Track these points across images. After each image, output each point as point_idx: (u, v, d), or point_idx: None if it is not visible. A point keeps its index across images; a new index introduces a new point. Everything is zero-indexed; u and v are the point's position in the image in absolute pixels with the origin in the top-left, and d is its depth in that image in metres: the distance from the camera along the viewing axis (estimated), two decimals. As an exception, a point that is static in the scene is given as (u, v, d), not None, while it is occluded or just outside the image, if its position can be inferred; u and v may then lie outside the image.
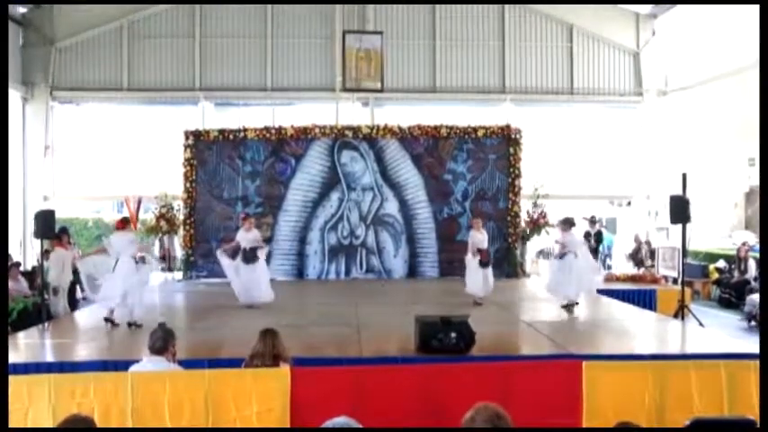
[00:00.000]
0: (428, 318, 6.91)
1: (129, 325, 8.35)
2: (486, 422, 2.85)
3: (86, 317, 9.92)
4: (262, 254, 10.42)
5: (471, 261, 10.33)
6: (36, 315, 9.64)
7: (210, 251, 14.47)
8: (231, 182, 14.80)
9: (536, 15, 18.40)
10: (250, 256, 10.11)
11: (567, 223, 9.91)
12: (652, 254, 16.30)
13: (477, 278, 10.20)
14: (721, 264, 14.57)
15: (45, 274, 10.24)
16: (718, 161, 15.96)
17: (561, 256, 9.72)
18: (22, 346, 7.33)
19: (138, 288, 8.55)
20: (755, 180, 14.36)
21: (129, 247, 8.69)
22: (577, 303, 9.63)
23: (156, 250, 15.90)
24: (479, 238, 10.45)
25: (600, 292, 11.82)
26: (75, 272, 12.31)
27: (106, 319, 8.47)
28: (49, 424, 4.49)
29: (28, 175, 17.53)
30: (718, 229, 15.98)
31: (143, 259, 9.20)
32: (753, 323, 10.96)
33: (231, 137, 14.82)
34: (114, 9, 17.77)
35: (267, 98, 18.34)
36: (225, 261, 10.40)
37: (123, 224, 9.31)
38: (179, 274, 14.99)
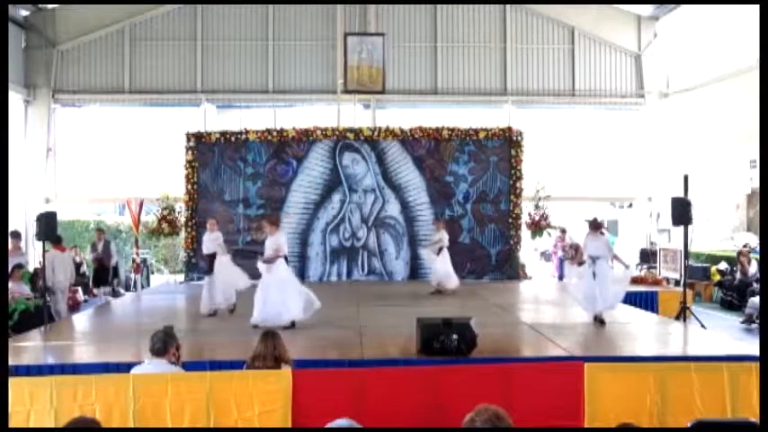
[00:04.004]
0: (430, 320, 6.90)
1: (231, 311, 9.63)
2: (486, 423, 2.88)
3: (88, 319, 9.95)
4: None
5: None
6: (38, 317, 9.67)
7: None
8: (233, 183, 14.82)
9: (537, 17, 18.41)
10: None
11: (439, 221, 12.53)
12: (654, 255, 16.33)
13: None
14: (723, 266, 14.55)
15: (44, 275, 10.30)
16: (719, 163, 15.95)
17: (439, 250, 11.99)
18: (24, 348, 7.33)
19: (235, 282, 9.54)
20: (757, 182, 14.34)
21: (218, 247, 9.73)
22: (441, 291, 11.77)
23: (86, 257, 14.27)
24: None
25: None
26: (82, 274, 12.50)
27: (230, 311, 9.66)
28: (51, 426, 4.49)
29: (30, 177, 17.56)
30: (720, 231, 15.97)
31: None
32: (753, 324, 10.94)
33: (233, 139, 14.85)
34: (116, 11, 17.81)
35: (269, 100, 18.36)
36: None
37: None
38: (181, 276, 14.99)
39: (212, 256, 9.75)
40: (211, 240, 9.85)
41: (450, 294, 11.74)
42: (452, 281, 11.97)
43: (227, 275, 9.59)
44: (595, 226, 8.96)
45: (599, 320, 8.64)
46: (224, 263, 9.71)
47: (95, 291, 13.89)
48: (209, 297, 9.65)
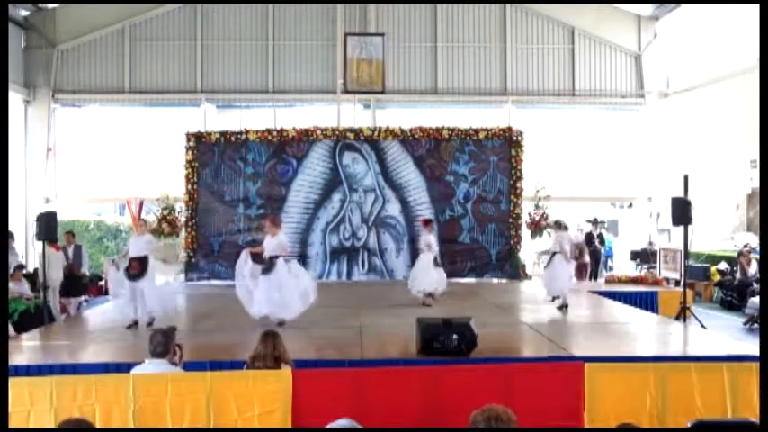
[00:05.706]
0: (430, 319, 6.89)
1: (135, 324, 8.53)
2: (483, 423, 2.91)
3: (88, 319, 9.94)
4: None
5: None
6: (38, 317, 9.68)
7: (212, 252, 14.51)
8: (233, 183, 14.80)
9: (537, 17, 18.42)
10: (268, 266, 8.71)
11: (427, 224, 11.54)
12: (654, 255, 16.33)
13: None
14: (723, 266, 14.56)
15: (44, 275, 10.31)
16: (719, 163, 15.95)
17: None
18: (24, 348, 7.33)
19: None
20: (757, 182, 14.34)
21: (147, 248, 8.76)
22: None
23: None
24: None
25: (601, 293, 11.89)
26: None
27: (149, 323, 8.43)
28: (51, 426, 4.49)
29: (30, 177, 17.57)
30: (720, 231, 15.97)
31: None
32: (755, 325, 10.94)
33: (233, 139, 14.84)
34: (116, 11, 17.83)
35: (269, 100, 18.38)
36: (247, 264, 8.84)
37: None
38: (181, 276, 14.98)
39: (144, 260, 8.62)
40: (147, 242, 8.82)
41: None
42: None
43: (158, 287, 8.81)
44: (560, 226, 10.33)
45: (553, 299, 10.15)
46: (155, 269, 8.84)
47: (64, 301, 11.84)
48: (132, 304, 8.52)
